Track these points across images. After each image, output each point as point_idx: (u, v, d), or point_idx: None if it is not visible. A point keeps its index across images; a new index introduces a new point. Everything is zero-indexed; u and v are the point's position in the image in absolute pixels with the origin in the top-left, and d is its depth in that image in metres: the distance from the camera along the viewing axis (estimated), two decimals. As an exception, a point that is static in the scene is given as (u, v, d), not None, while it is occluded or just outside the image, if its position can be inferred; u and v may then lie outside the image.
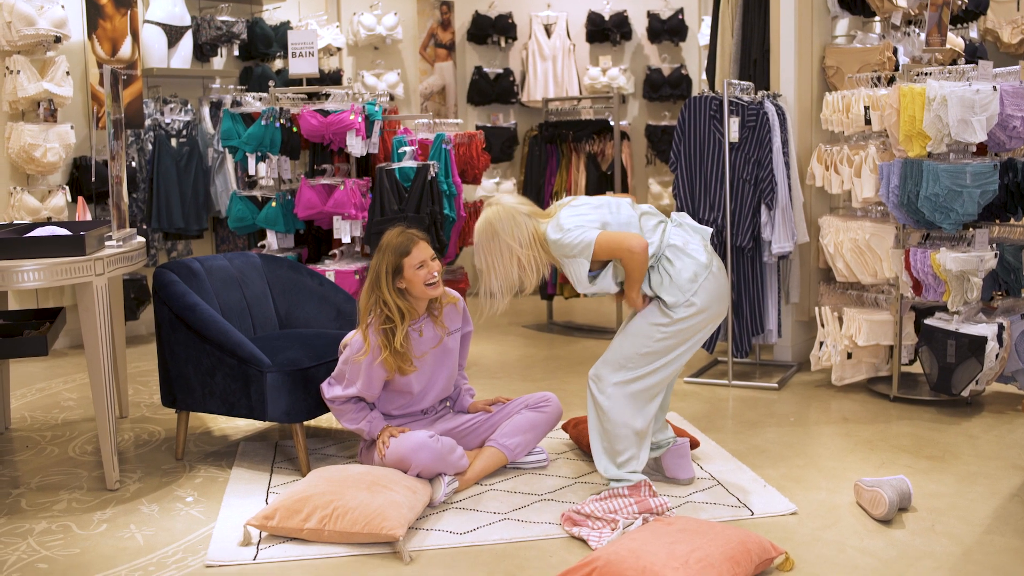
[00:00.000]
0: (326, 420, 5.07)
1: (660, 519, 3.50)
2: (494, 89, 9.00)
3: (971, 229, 4.98)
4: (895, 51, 5.86)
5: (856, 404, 5.26)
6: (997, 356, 4.90)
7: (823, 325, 5.46)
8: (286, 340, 4.47)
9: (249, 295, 4.83)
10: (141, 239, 4.63)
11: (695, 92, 8.74)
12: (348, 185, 5.91)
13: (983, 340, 4.83)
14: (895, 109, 4.93)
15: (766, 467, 4.29)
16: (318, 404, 4.26)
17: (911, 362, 5.49)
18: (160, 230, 7.26)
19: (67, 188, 6.72)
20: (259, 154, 6.10)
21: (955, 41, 6.88)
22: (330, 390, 4.07)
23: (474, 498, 3.96)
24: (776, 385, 5.59)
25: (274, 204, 6.10)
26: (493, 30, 8.99)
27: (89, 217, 5.24)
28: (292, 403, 4.18)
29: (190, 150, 7.31)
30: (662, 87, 8.90)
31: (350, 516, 3.50)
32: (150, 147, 7.17)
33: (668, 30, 8.90)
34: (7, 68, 6.37)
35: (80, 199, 5.32)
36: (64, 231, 4.31)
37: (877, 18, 6.12)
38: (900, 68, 5.53)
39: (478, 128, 8.69)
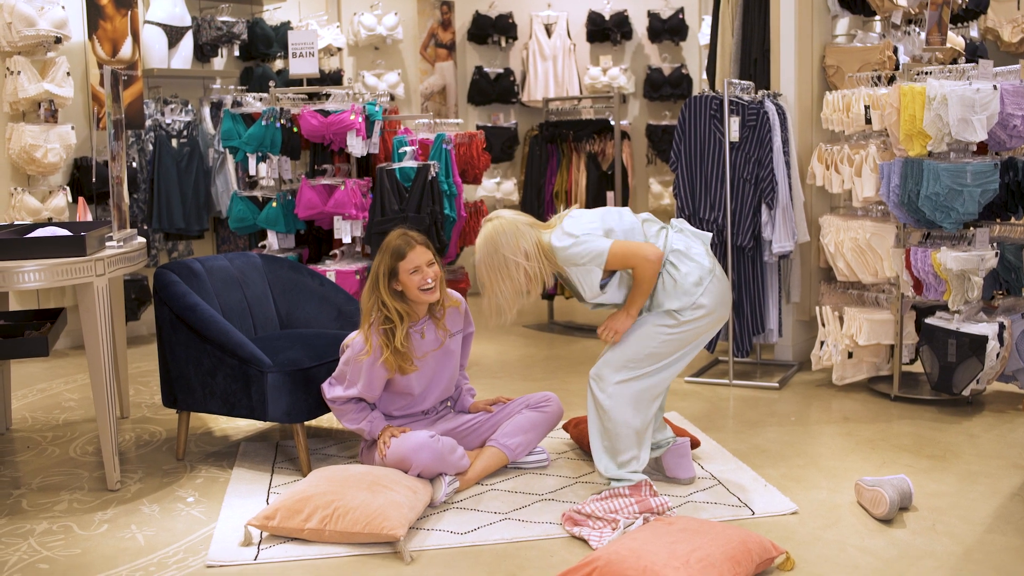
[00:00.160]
0: (327, 420, 5.08)
1: (661, 519, 3.50)
2: (494, 89, 9.00)
3: (972, 228, 4.98)
4: (895, 50, 5.86)
5: (857, 403, 5.26)
6: (998, 355, 4.90)
7: (824, 324, 5.46)
8: (287, 340, 4.47)
9: (250, 295, 4.83)
10: (142, 239, 4.63)
11: (695, 92, 8.74)
12: (349, 185, 5.91)
13: (984, 339, 4.83)
14: (895, 108, 4.93)
15: (767, 467, 4.29)
16: (319, 404, 4.26)
17: (912, 361, 5.49)
18: (161, 230, 7.26)
19: (68, 189, 6.72)
20: (260, 154, 6.10)
21: (955, 40, 6.88)
22: (331, 390, 4.07)
23: (475, 498, 3.96)
24: (777, 384, 5.59)
25: (275, 204, 6.10)
26: (493, 30, 8.99)
27: (90, 218, 5.24)
28: (293, 403, 4.18)
29: (191, 150, 7.31)
30: (662, 87, 8.90)
31: (351, 516, 3.50)
32: (151, 147, 7.17)
33: (668, 30, 8.90)
34: (8, 69, 6.38)
35: (81, 200, 5.33)
36: (65, 232, 4.32)
37: (877, 17, 6.12)
38: (900, 67, 5.53)
39: (479, 128, 8.70)
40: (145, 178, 7.17)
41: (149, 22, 7.24)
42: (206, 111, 7.57)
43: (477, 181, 6.84)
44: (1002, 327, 4.93)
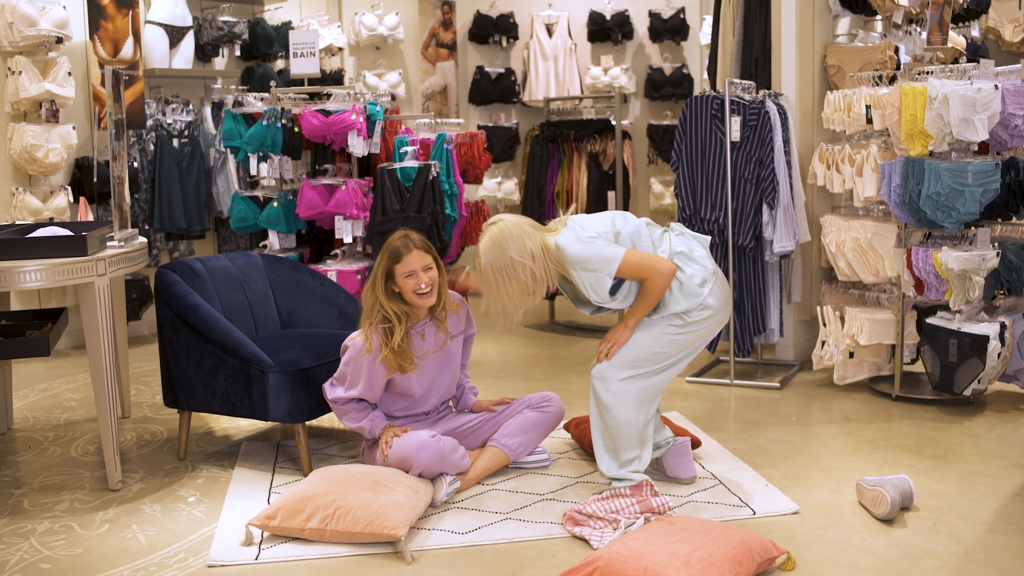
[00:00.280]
0: (328, 420, 5.08)
1: (662, 519, 3.50)
2: (496, 89, 9.00)
3: (973, 228, 4.98)
4: (896, 50, 5.85)
5: (858, 403, 5.26)
6: (999, 355, 4.90)
7: (825, 324, 5.46)
8: (288, 340, 4.47)
9: (251, 295, 4.83)
10: (143, 239, 4.63)
11: (696, 91, 8.74)
12: (350, 185, 5.91)
13: (985, 339, 4.82)
14: (896, 108, 4.92)
15: (768, 466, 4.29)
16: (320, 404, 4.26)
17: (913, 361, 5.48)
18: (162, 230, 7.27)
19: (69, 189, 6.72)
20: (261, 154, 6.11)
21: (956, 40, 6.88)
22: (332, 391, 4.07)
23: (476, 498, 3.96)
24: (778, 384, 5.58)
25: (276, 204, 6.10)
26: (495, 30, 8.99)
27: (91, 217, 5.25)
28: (294, 403, 4.18)
29: (192, 150, 7.31)
30: (664, 86, 8.90)
31: (352, 516, 3.50)
32: (152, 147, 7.18)
33: (669, 29, 8.90)
34: (9, 69, 6.38)
35: (82, 199, 5.33)
36: (66, 231, 4.32)
37: (878, 17, 6.11)
38: (901, 67, 5.53)
39: (480, 128, 8.70)
40: (146, 178, 7.18)
41: (150, 22, 7.24)
42: (207, 111, 7.57)
43: (478, 181, 6.84)
44: (1003, 327, 4.93)
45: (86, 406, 5.49)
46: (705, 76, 7.80)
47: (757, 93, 5.70)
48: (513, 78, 9.04)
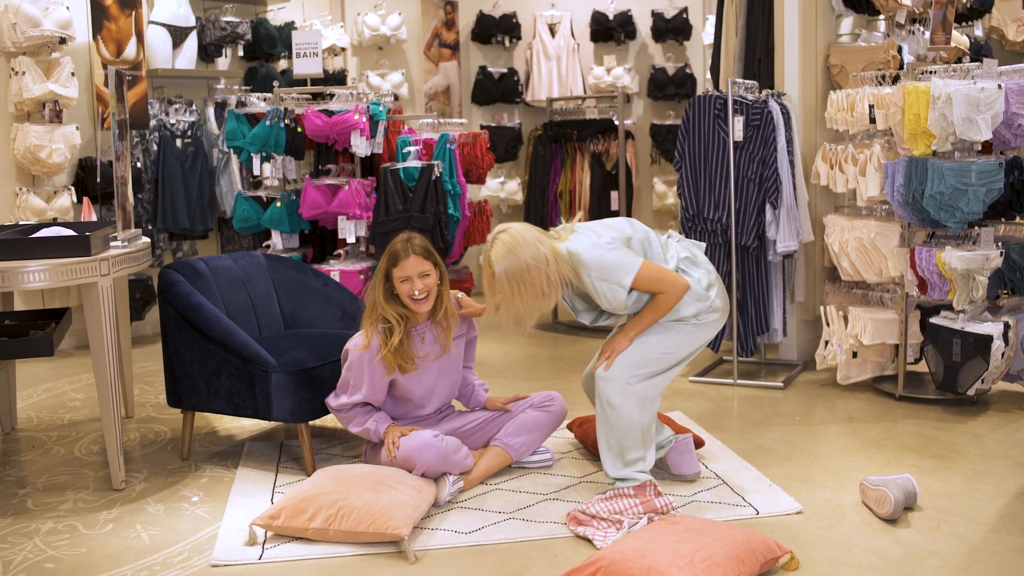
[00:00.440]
0: (331, 420, 5.08)
1: (665, 518, 3.50)
2: (498, 89, 9.00)
3: (976, 228, 4.98)
4: (900, 49, 5.85)
5: (861, 403, 5.25)
6: (1003, 355, 4.90)
7: (828, 324, 5.45)
8: (291, 340, 4.47)
9: (254, 295, 4.83)
10: (146, 239, 4.64)
11: (699, 91, 8.73)
12: (353, 185, 5.92)
13: (989, 339, 4.82)
14: (900, 108, 4.92)
15: (771, 466, 4.29)
16: (323, 404, 4.26)
17: (916, 361, 5.48)
18: (165, 230, 7.27)
19: (72, 189, 6.73)
20: (264, 154, 6.11)
21: (960, 39, 6.87)
22: (336, 400, 4.07)
23: (479, 497, 3.97)
24: (781, 384, 5.58)
25: (279, 204, 6.11)
26: (497, 30, 8.98)
27: (94, 218, 5.25)
28: (297, 403, 4.18)
29: (195, 151, 7.32)
30: (666, 86, 8.89)
31: (355, 516, 3.50)
32: (155, 148, 7.18)
33: (672, 29, 8.89)
34: (12, 69, 6.39)
35: (85, 200, 5.34)
36: (69, 232, 4.32)
37: (881, 16, 6.11)
38: (905, 66, 5.52)
39: (482, 128, 8.70)
40: (149, 178, 7.18)
41: (153, 22, 7.25)
42: (210, 111, 7.58)
43: (481, 181, 6.84)
44: (1007, 326, 4.92)
45: (90, 406, 5.49)
46: (708, 76, 7.79)
47: (760, 93, 5.70)
48: (516, 78, 9.03)
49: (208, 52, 7.69)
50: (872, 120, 5.23)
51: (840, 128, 5.50)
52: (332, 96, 6.25)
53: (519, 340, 7.07)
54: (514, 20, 9.02)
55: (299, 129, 6.08)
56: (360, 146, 5.91)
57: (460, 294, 4.26)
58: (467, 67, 9.14)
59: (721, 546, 3.18)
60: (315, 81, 6.71)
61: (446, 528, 3.67)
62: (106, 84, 6.69)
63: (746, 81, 5.68)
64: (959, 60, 6.17)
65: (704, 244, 4.06)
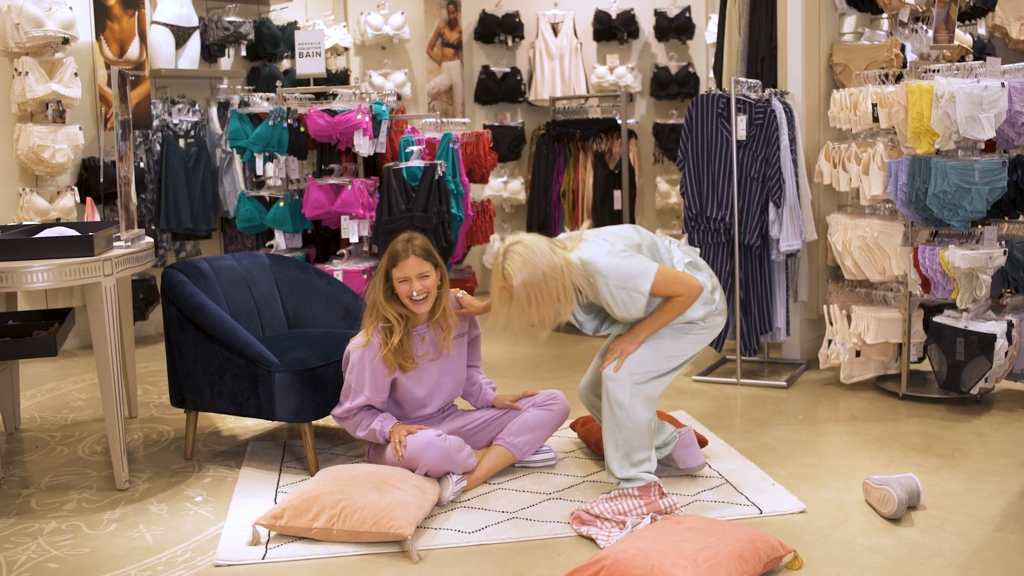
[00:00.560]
0: (334, 420, 5.07)
1: (668, 517, 3.50)
2: (501, 88, 9.00)
3: (980, 226, 4.97)
4: (903, 48, 5.84)
5: (865, 402, 5.25)
6: (1006, 353, 4.89)
7: (831, 323, 5.45)
8: (294, 340, 4.48)
9: (257, 295, 4.84)
10: (149, 240, 4.64)
11: (702, 90, 8.73)
12: (356, 185, 5.92)
13: (992, 337, 4.82)
14: (903, 106, 4.92)
15: (775, 465, 4.29)
16: (326, 404, 4.26)
17: (920, 360, 5.48)
18: (168, 230, 7.28)
19: (76, 189, 6.74)
20: (267, 154, 6.11)
21: (963, 38, 6.87)
22: (339, 408, 4.07)
23: (482, 497, 3.97)
24: (784, 383, 5.58)
25: (282, 204, 6.11)
26: (500, 29, 8.98)
27: (98, 218, 5.26)
28: (301, 403, 4.18)
29: (198, 151, 7.32)
30: (669, 85, 8.89)
31: (359, 515, 3.50)
32: (158, 148, 7.19)
33: (675, 28, 8.88)
34: (16, 70, 6.39)
35: (89, 200, 5.34)
36: (73, 232, 4.33)
37: (885, 15, 6.10)
38: (908, 65, 5.52)
39: (485, 127, 8.69)
40: (152, 178, 7.19)
41: (156, 22, 7.25)
42: (213, 111, 7.58)
43: (484, 180, 6.84)
44: (1010, 325, 4.92)
45: (93, 406, 5.50)
46: (711, 75, 7.79)
47: (763, 92, 5.70)
48: (519, 77, 9.03)
49: (211, 52, 7.69)
50: (875, 119, 5.22)
51: (843, 127, 5.50)
52: (335, 96, 6.25)
53: (522, 339, 7.06)
54: (517, 19, 9.01)
55: (302, 129, 6.08)
56: (363, 146, 5.91)
57: (461, 293, 4.25)
58: (470, 66, 9.14)
59: (725, 545, 3.18)
60: (318, 81, 6.71)
61: (449, 528, 3.68)
62: (109, 84, 6.69)
63: (749, 80, 5.68)
64: (962, 58, 6.17)
65: (698, 250, 4.09)
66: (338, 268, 5.96)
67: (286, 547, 3.53)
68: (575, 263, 3.66)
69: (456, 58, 9.11)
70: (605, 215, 7.74)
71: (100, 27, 6.91)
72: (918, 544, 3.46)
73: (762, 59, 6.16)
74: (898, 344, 5.39)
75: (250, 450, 4.66)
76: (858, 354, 5.36)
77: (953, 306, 5.15)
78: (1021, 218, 5.24)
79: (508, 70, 9.02)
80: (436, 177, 5.79)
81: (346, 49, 8.58)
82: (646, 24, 9.04)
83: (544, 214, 7.95)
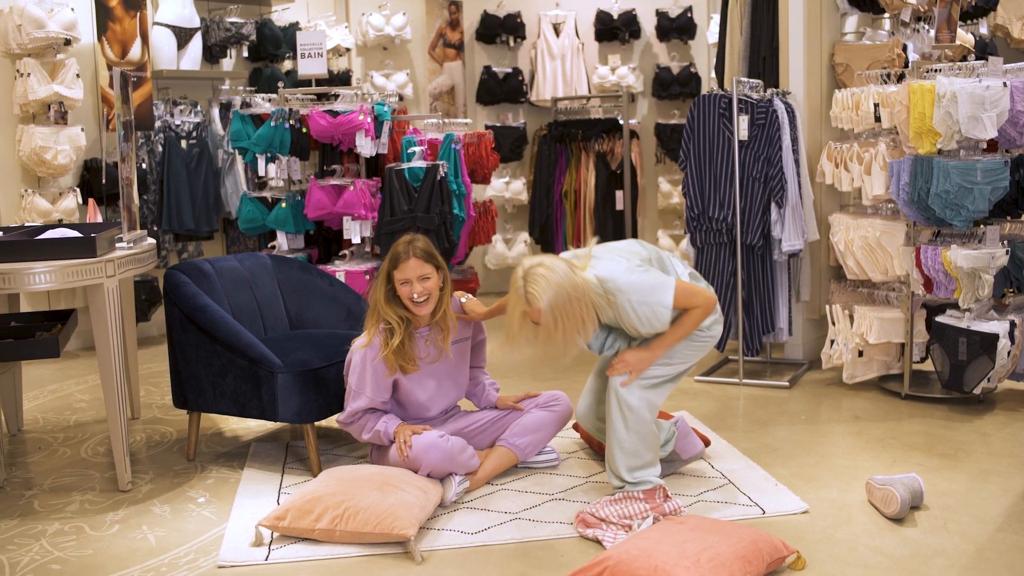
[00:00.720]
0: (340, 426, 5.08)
1: (671, 518, 3.50)
2: (503, 88, 9.00)
3: (982, 226, 4.97)
4: (905, 48, 5.84)
5: (867, 402, 5.25)
6: (1009, 353, 4.89)
7: (834, 323, 5.45)
8: (297, 341, 4.48)
9: (259, 296, 4.84)
10: (152, 241, 4.64)
11: (704, 90, 8.73)
12: (358, 185, 5.92)
13: (995, 337, 4.81)
14: (905, 106, 4.91)
15: (777, 466, 4.29)
16: (329, 405, 4.26)
17: (923, 360, 5.47)
18: (170, 231, 7.28)
19: (78, 190, 6.74)
20: (269, 155, 6.11)
21: (965, 37, 6.86)
22: (342, 414, 4.06)
23: (485, 498, 3.97)
24: (787, 383, 5.58)
25: (284, 205, 6.11)
26: (502, 29, 8.98)
27: (100, 219, 5.26)
28: (303, 404, 4.18)
29: (200, 152, 7.33)
30: (671, 85, 8.88)
31: (361, 516, 3.50)
32: (160, 149, 7.19)
33: (677, 28, 8.88)
34: (17, 71, 6.40)
35: (91, 201, 5.34)
36: (75, 233, 4.33)
37: (886, 15, 6.10)
38: (910, 65, 5.51)
39: (487, 128, 8.70)
40: (155, 179, 7.19)
41: (158, 23, 7.25)
42: (215, 112, 7.58)
43: (486, 181, 6.84)
44: (1013, 325, 4.91)
45: (96, 407, 5.50)
46: (713, 75, 7.79)
47: (765, 91, 5.69)
48: (520, 78, 9.03)
49: (213, 53, 7.70)
50: (877, 118, 5.22)
51: (845, 127, 5.50)
52: (337, 96, 6.25)
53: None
54: (518, 20, 9.01)
55: (304, 130, 6.08)
56: (365, 146, 5.91)
57: (466, 298, 4.23)
58: (471, 67, 9.14)
59: (728, 546, 3.18)
60: (320, 82, 6.72)
61: (452, 528, 3.68)
62: (111, 85, 6.70)
63: (751, 80, 5.67)
64: (964, 58, 6.17)
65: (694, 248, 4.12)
66: (340, 269, 5.96)
67: (289, 548, 3.54)
68: (592, 282, 3.61)
69: (458, 58, 9.11)
70: (607, 215, 7.74)
71: (102, 28, 6.92)
72: (921, 544, 3.46)
73: (764, 59, 6.16)
74: (900, 344, 5.38)
75: (253, 451, 4.66)
76: (860, 354, 5.36)
77: (955, 306, 5.14)
78: (1023, 217, 5.23)
79: (510, 70, 9.02)
80: (438, 178, 5.79)
81: (348, 50, 8.59)
82: (648, 24, 9.03)
83: (546, 214, 7.95)
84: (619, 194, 7.69)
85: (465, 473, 4.00)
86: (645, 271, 3.69)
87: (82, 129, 6.65)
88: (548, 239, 8.01)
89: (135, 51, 7.05)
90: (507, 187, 8.89)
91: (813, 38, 5.90)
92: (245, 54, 8.03)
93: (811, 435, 4.72)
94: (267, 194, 6.31)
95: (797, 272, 5.92)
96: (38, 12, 6.33)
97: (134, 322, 5.22)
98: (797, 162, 5.63)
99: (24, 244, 3.98)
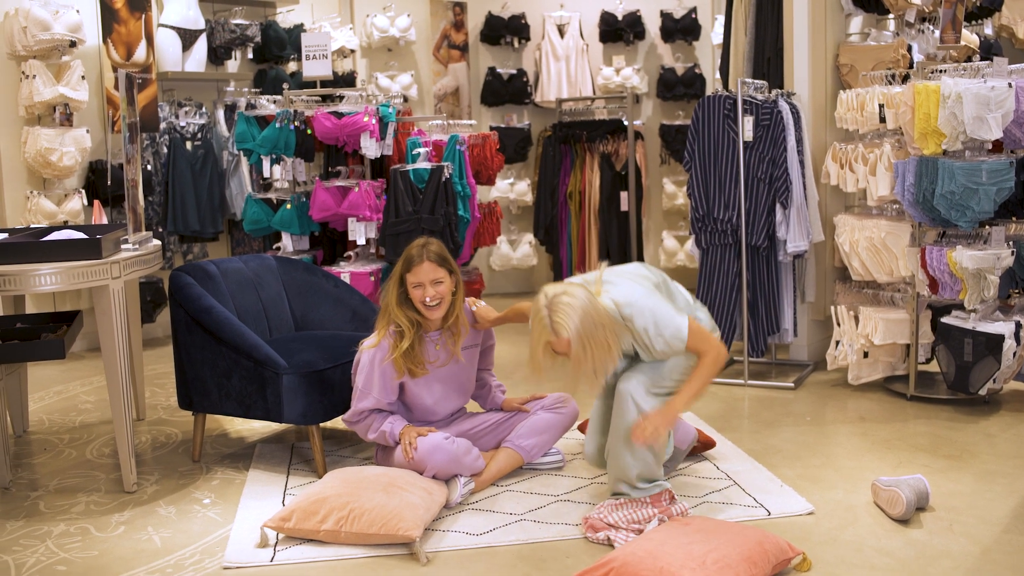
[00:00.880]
0: (342, 422, 5.08)
1: (677, 519, 3.49)
2: (507, 90, 9.00)
3: (987, 227, 4.96)
4: (909, 48, 5.84)
5: (873, 403, 5.24)
6: (1015, 354, 4.88)
7: (839, 324, 5.44)
8: (302, 342, 4.48)
9: (264, 297, 4.84)
10: (157, 242, 4.65)
11: (709, 91, 8.72)
12: (363, 187, 5.92)
13: (1000, 338, 4.81)
14: (910, 107, 4.91)
15: (783, 467, 4.28)
16: (334, 406, 4.27)
17: (928, 361, 5.46)
18: (176, 233, 7.29)
19: (83, 192, 6.75)
20: (274, 156, 6.12)
21: (969, 38, 6.86)
22: (349, 411, 4.06)
23: (490, 499, 3.97)
24: (792, 384, 5.57)
25: (289, 206, 6.12)
26: (506, 31, 8.98)
27: (105, 220, 5.27)
28: (308, 405, 4.19)
29: (205, 153, 7.33)
30: (676, 86, 8.88)
31: (367, 517, 3.50)
32: (165, 150, 7.20)
33: (681, 29, 8.88)
34: (23, 73, 6.41)
35: (96, 203, 5.35)
36: (80, 235, 4.33)
37: (891, 15, 6.09)
38: (914, 65, 5.51)
39: (492, 129, 8.70)
40: (160, 181, 7.20)
41: (163, 25, 7.26)
42: (220, 114, 7.59)
43: (491, 182, 6.85)
44: (1019, 326, 4.91)
45: (101, 408, 5.51)
46: (717, 76, 7.78)
47: (769, 92, 5.69)
48: (525, 79, 9.03)
49: (218, 55, 7.70)
50: (882, 119, 5.22)
51: (850, 127, 5.50)
52: (341, 98, 6.26)
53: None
54: (523, 21, 9.02)
55: (309, 131, 6.09)
56: (370, 148, 5.92)
57: (476, 307, 4.22)
58: (476, 68, 9.15)
59: (733, 547, 3.18)
60: (324, 83, 6.72)
61: (457, 530, 3.68)
62: (116, 87, 6.71)
63: (755, 81, 5.67)
64: (969, 59, 6.16)
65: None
66: (345, 270, 5.96)
67: (294, 549, 3.54)
68: (610, 307, 3.56)
69: (462, 60, 9.11)
70: (612, 217, 7.74)
71: (107, 30, 6.93)
72: (927, 545, 3.46)
73: (768, 60, 6.16)
74: (906, 345, 5.38)
75: (258, 452, 4.67)
76: (866, 355, 5.35)
77: (961, 307, 5.14)
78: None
79: (514, 72, 9.02)
80: (443, 179, 5.79)
81: (352, 51, 8.59)
82: (652, 25, 9.03)
83: (551, 215, 7.95)
84: (624, 195, 7.68)
85: (470, 474, 4.00)
86: (661, 297, 3.68)
87: (87, 131, 6.66)
88: (553, 240, 8.02)
89: (140, 53, 7.06)
90: (512, 188, 8.89)
91: (818, 39, 5.89)
92: (250, 56, 8.04)
93: (816, 436, 4.72)
94: (272, 195, 6.32)
95: (802, 273, 5.91)
96: (43, 14, 6.34)
97: (139, 323, 5.22)
98: (802, 163, 5.63)
99: (30, 246, 3.98)
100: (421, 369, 3.98)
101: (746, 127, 5.53)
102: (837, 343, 5.45)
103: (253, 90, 7.71)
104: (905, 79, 5.29)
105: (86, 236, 4.22)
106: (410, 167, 5.85)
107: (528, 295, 9.12)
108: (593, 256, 7.80)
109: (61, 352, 4.10)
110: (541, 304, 3.49)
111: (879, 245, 5.27)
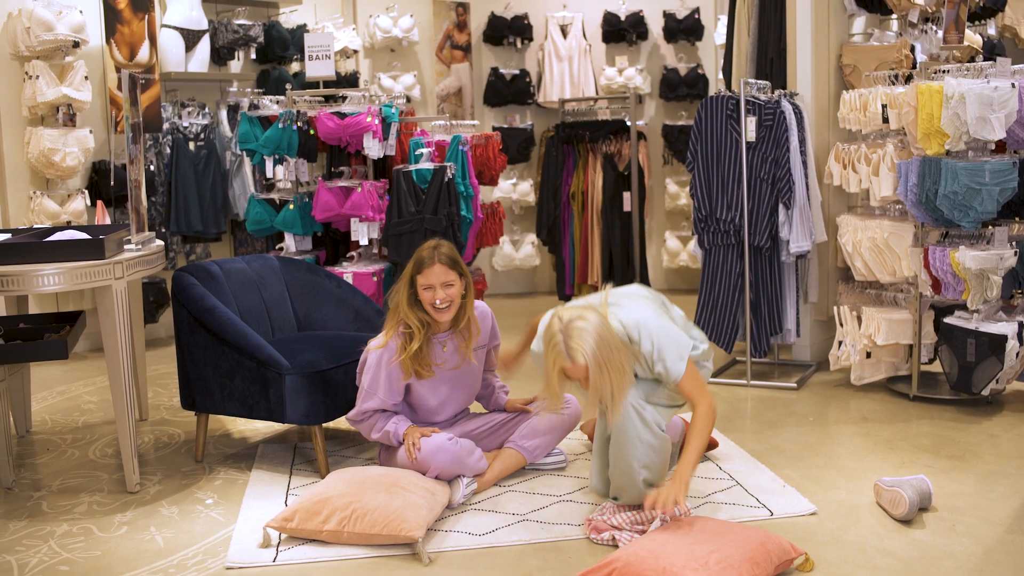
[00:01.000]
0: (345, 422, 5.08)
1: (679, 519, 3.49)
2: (510, 90, 9.00)
3: (990, 227, 4.96)
4: (912, 49, 5.83)
5: (876, 403, 5.24)
6: (1018, 354, 4.88)
7: (842, 324, 5.44)
8: (304, 342, 4.48)
9: (267, 298, 4.84)
10: (160, 242, 4.65)
11: (712, 91, 8.72)
12: (365, 187, 5.92)
13: (1003, 338, 4.80)
14: (913, 107, 4.91)
15: (785, 467, 4.28)
16: (337, 406, 4.27)
17: (931, 361, 5.46)
18: (178, 233, 7.29)
19: (86, 192, 6.76)
20: (276, 157, 6.12)
21: (973, 38, 6.85)
22: (354, 410, 4.06)
23: (493, 499, 3.97)
24: (795, 385, 5.57)
25: (292, 207, 6.12)
26: (509, 31, 8.99)
27: (108, 221, 5.27)
28: (311, 405, 4.19)
29: (208, 153, 7.34)
30: (679, 87, 8.88)
31: (369, 518, 3.51)
32: (168, 151, 7.21)
33: (684, 30, 8.88)
34: (26, 73, 6.42)
35: (99, 203, 5.35)
36: (83, 235, 4.34)
37: (894, 16, 6.09)
38: (917, 66, 5.51)
39: (495, 129, 8.70)
40: (163, 181, 7.21)
41: (166, 26, 7.27)
42: (223, 114, 7.59)
43: (494, 182, 6.84)
44: (1021, 326, 4.90)
45: (104, 409, 5.51)
46: (720, 76, 7.78)
47: (772, 93, 5.69)
48: (528, 79, 9.04)
49: (221, 55, 7.71)
50: (885, 120, 5.21)
51: (853, 128, 5.49)
52: (344, 98, 6.26)
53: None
54: (526, 21, 9.02)
55: (312, 131, 6.09)
56: (372, 148, 5.92)
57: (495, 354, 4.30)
58: (479, 69, 9.15)
59: (736, 548, 3.18)
60: (327, 83, 6.72)
61: (460, 530, 3.68)
62: (119, 87, 6.72)
63: (758, 81, 5.67)
64: (972, 59, 6.15)
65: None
66: (348, 271, 5.96)
67: (297, 549, 3.54)
68: (618, 328, 3.54)
69: (465, 60, 9.11)
70: (615, 217, 7.74)
71: (110, 31, 6.94)
72: (930, 546, 3.45)
73: (771, 60, 6.16)
74: (909, 345, 5.37)
75: (260, 453, 4.67)
76: (868, 355, 5.35)
77: (964, 307, 5.13)
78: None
79: (517, 72, 9.02)
80: (446, 179, 5.79)
81: (355, 52, 8.60)
82: (655, 25, 9.03)
83: (553, 216, 7.95)
84: (627, 195, 7.68)
85: (473, 475, 4.00)
86: (667, 319, 3.67)
87: (90, 131, 6.67)
88: (555, 241, 8.02)
89: (143, 53, 7.07)
90: (514, 188, 8.89)
91: (821, 39, 5.89)
92: (253, 56, 8.04)
93: (819, 436, 4.71)
94: (275, 196, 6.32)
95: (805, 273, 5.91)
96: (46, 15, 6.35)
97: (142, 324, 5.23)
98: (805, 163, 5.63)
99: (33, 246, 3.99)
100: (428, 371, 3.99)
101: (749, 127, 5.53)
102: (840, 343, 5.45)
103: (256, 90, 7.71)
104: (908, 79, 5.29)
105: (89, 236, 4.22)
106: (413, 167, 5.85)
107: (530, 296, 9.14)
108: (595, 256, 7.80)
109: (64, 352, 4.11)
110: (556, 329, 3.44)
111: (882, 245, 5.26)
